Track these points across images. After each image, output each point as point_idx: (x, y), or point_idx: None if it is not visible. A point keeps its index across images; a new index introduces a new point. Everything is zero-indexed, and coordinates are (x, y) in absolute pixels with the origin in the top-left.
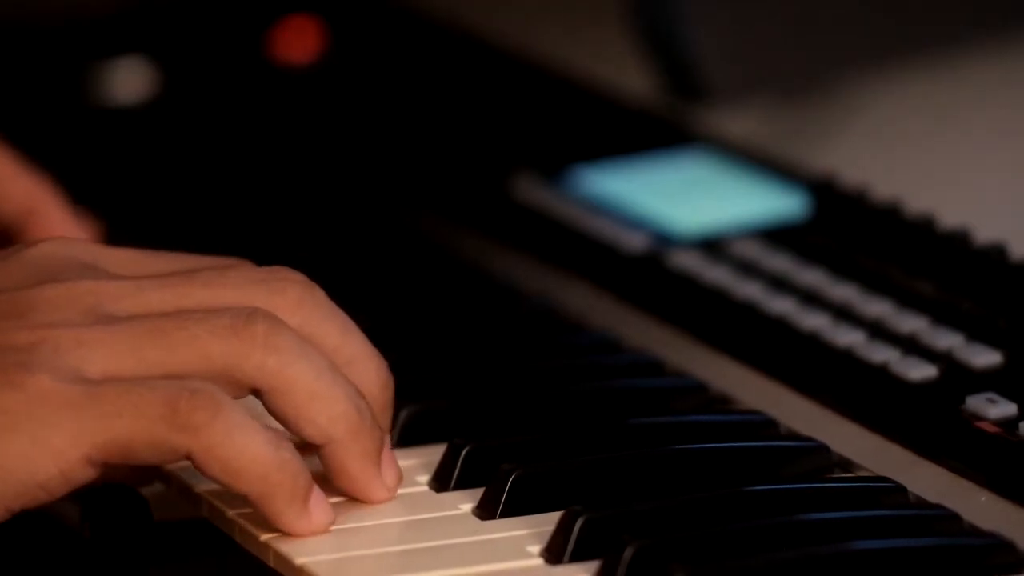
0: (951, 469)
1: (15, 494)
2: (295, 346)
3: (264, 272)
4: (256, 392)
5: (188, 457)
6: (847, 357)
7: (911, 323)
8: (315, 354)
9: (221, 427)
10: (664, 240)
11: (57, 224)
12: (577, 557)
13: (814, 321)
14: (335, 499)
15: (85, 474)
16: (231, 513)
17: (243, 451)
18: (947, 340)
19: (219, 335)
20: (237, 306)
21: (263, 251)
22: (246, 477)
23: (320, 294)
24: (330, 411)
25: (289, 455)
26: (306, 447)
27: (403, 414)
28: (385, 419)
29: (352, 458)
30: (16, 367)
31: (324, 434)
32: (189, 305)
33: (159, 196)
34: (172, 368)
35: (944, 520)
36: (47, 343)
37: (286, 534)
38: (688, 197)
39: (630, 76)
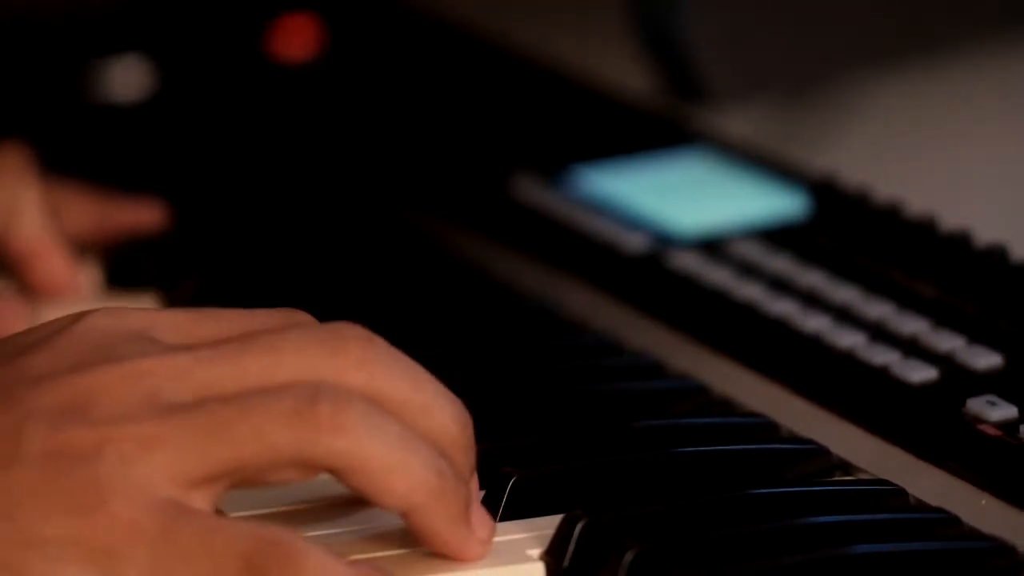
0: (952, 472)
1: None
2: (364, 421)
3: (323, 331)
4: (330, 472)
5: None
6: (848, 359)
7: (912, 325)
8: (386, 424)
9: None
10: (664, 241)
11: (59, 270)
12: (578, 560)
13: (815, 323)
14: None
15: None
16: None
17: None
18: (948, 342)
19: (283, 423)
20: (299, 383)
21: (260, 250)
22: None
23: (383, 347)
24: (408, 481)
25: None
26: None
27: None
28: (469, 460)
29: (439, 522)
30: (86, 487)
31: (406, 503)
32: (249, 382)
33: (158, 194)
34: (240, 464)
35: (945, 524)
36: (110, 446)
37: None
38: (688, 197)
39: (630, 76)
